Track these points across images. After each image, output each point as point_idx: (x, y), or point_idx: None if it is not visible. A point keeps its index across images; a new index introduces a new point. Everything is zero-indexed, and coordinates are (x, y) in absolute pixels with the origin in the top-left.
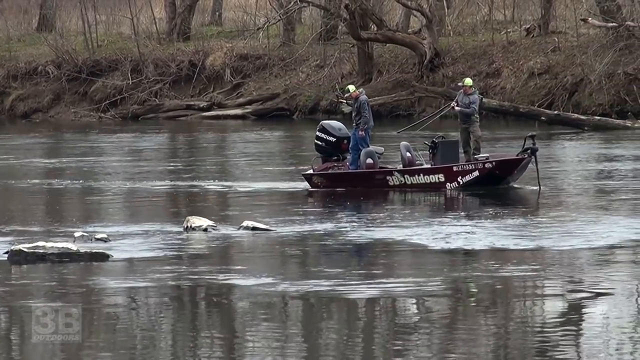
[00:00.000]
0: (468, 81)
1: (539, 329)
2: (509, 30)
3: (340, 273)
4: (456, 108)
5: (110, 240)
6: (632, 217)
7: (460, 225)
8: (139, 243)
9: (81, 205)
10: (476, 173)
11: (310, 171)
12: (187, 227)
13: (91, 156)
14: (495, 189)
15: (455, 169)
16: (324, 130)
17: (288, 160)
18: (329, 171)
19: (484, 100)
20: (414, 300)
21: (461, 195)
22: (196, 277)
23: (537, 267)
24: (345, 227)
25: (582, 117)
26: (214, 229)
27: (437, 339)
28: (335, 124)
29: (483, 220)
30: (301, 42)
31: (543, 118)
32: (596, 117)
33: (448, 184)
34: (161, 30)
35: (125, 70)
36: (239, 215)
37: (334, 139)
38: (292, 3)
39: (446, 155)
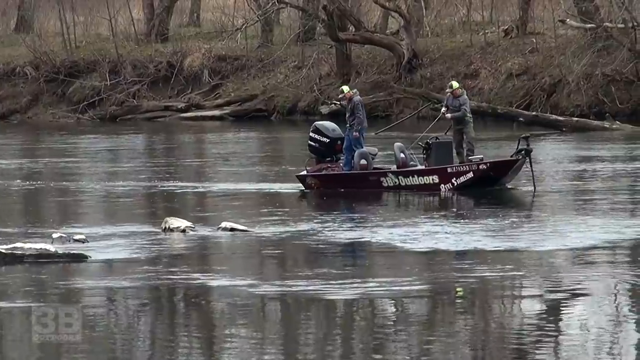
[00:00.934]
0: (455, 84)
1: (517, 330)
2: (487, 31)
3: (318, 274)
4: (447, 115)
5: (88, 241)
6: (610, 217)
7: (440, 226)
8: (117, 244)
9: (59, 206)
10: (470, 174)
11: (304, 172)
12: (165, 228)
13: (69, 157)
14: (488, 190)
15: (449, 170)
16: (317, 131)
17: (266, 162)
18: (322, 172)
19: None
20: (393, 301)
21: (450, 197)
22: (174, 278)
23: (516, 268)
24: (324, 228)
25: (561, 118)
26: (192, 230)
27: (415, 339)
28: (329, 124)
29: (464, 221)
30: (279, 43)
31: (521, 119)
32: (574, 118)
33: (442, 185)
34: (139, 31)
35: (103, 71)
36: (217, 216)
37: (328, 140)
38: (270, 4)
39: (440, 156)
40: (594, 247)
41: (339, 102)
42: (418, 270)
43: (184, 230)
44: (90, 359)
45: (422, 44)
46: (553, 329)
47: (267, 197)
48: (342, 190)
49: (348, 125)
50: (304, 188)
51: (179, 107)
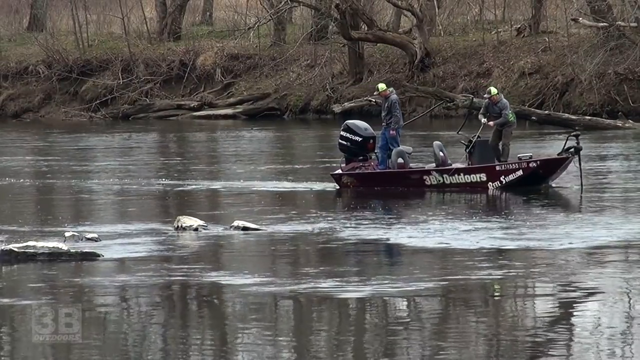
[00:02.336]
0: (493, 90)
1: (530, 329)
2: (499, 30)
3: (331, 272)
4: (490, 123)
5: (100, 240)
6: (626, 217)
7: (454, 225)
8: (129, 243)
9: (71, 204)
10: (520, 172)
11: (339, 171)
12: (178, 226)
13: (82, 156)
14: (532, 189)
15: (498, 168)
16: (349, 129)
17: (278, 160)
18: (356, 171)
19: (474, 100)
20: (405, 300)
21: (470, 195)
22: (187, 276)
23: (530, 266)
24: (337, 227)
25: (573, 117)
26: (204, 229)
27: (427, 338)
28: (360, 123)
29: (477, 220)
30: (292, 42)
31: (534, 118)
32: (587, 117)
33: (490, 183)
34: (152, 29)
35: (115, 70)
36: (229, 215)
37: (360, 139)
38: (283, 3)
39: (484, 154)
40: (610, 246)
41: (373, 100)
42: (430, 268)
43: (196, 229)
44: (102, 357)
45: (434, 42)
46: (566, 328)
47: (280, 196)
48: (378, 188)
49: (384, 123)
50: (338, 187)
51: (192, 105)
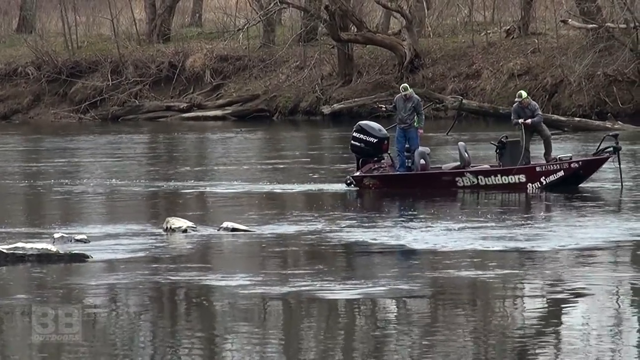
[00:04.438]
0: (523, 94)
1: (519, 329)
2: (488, 31)
3: (320, 274)
4: (527, 121)
5: (89, 241)
6: (613, 218)
7: (442, 226)
8: (118, 244)
9: (60, 206)
10: (561, 173)
11: (358, 173)
12: (167, 228)
13: (71, 157)
14: (575, 188)
15: (538, 169)
16: (362, 130)
17: (267, 161)
18: (374, 173)
19: (463, 101)
20: (394, 301)
21: (466, 196)
22: (176, 278)
23: (519, 268)
24: (324, 229)
25: (562, 118)
26: (193, 230)
27: (416, 339)
28: (374, 124)
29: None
30: (281, 44)
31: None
32: (576, 118)
33: (530, 184)
34: (141, 31)
35: (105, 72)
36: (218, 216)
37: (376, 140)
38: (272, 4)
39: (514, 155)
40: (598, 248)
41: (383, 106)
42: (419, 270)
43: (185, 230)
44: (90, 358)
45: (424, 44)
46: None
47: (269, 197)
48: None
49: (403, 125)
50: (357, 188)
51: (181, 107)
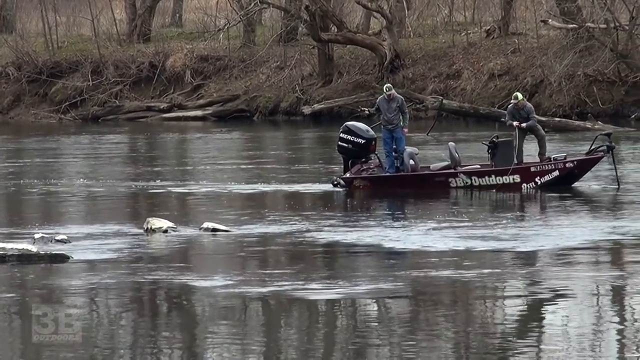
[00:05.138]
0: (519, 96)
1: (499, 330)
2: (469, 31)
3: (300, 274)
4: (522, 125)
5: (70, 242)
6: (593, 218)
7: (425, 226)
8: (99, 244)
9: (41, 206)
10: (556, 173)
11: (348, 174)
12: (147, 228)
13: (51, 157)
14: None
15: (532, 169)
16: (349, 132)
17: (248, 162)
18: (363, 174)
19: (444, 102)
20: (374, 302)
21: (456, 197)
22: (156, 278)
23: (498, 268)
24: (305, 229)
25: (543, 118)
26: (174, 230)
27: (396, 340)
28: (361, 125)
29: (449, 222)
30: (261, 44)
31: (503, 119)
32: (556, 119)
33: (524, 184)
34: (121, 31)
35: (85, 72)
36: (199, 217)
37: (364, 141)
38: (253, 4)
39: (506, 155)
40: (578, 248)
41: (365, 109)
42: (400, 270)
43: (166, 231)
44: (70, 358)
45: (404, 44)
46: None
47: (249, 198)
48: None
49: (390, 125)
50: (345, 189)
51: (161, 107)
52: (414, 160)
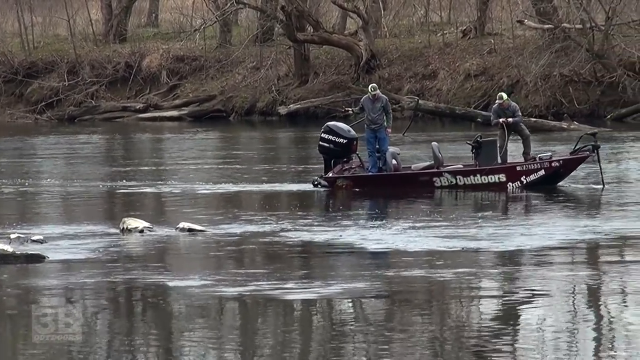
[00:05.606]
0: (504, 95)
1: (475, 330)
2: (445, 32)
3: (276, 274)
4: (509, 119)
5: (46, 242)
6: (569, 218)
7: (402, 227)
8: (75, 244)
9: (17, 206)
10: (542, 172)
11: (330, 174)
12: (123, 228)
13: (27, 157)
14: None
15: (518, 168)
16: (331, 131)
17: (224, 162)
18: (346, 174)
19: (420, 102)
20: (350, 302)
21: (438, 196)
22: (132, 278)
23: (474, 268)
24: (281, 229)
25: None
26: (150, 231)
27: (372, 339)
28: (342, 125)
29: (425, 222)
30: (238, 44)
31: (479, 119)
32: (532, 119)
33: (510, 183)
34: (97, 31)
35: (61, 72)
36: (175, 217)
37: (345, 141)
38: (229, 5)
39: (490, 154)
40: (554, 248)
41: (350, 109)
42: (376, 270)
43: (141, 231)
44: (45, 358)
45: (380, 44)
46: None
47: (226, 197)
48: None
49: (374, 125)
50: (325, 189)
51: (137, 107)
52: (396, 160)
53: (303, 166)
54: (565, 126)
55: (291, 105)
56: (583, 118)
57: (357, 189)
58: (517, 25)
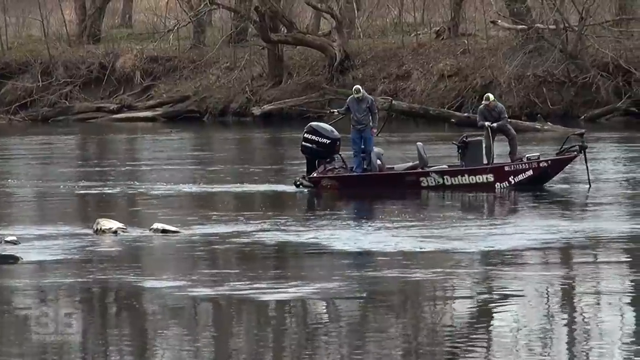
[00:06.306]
0: (490, 96)
1: (448, 331)
2: (418, 32)
3: (250, 275)
4: (494, 125)
5: (20, 243)
6: (542, 218)
7: (374, 228)
8: (49, 245)
9: None
10: (530, 172)
11: (314, 174)
12: (97, 229)
13: (0, 158)
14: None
15: (507, 168)
16: (314, 132)
17: (198, 162)
18: (329, 174)
19: (393, 102)
20: (324, 303)
21: (400, 197)
22: (106, 279)
23: (448, 269)
24: (255, 229)
25: None
26: (123, 232)
27: (347, 341)
28: (325, 125)
29: (396, 223)
30: (211, 45)
31: (453, 120)
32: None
33: (498, 184)
34: (71, 32)
35: (35, 73)
36: (148, 218)
37: (329, 141)
38: (202, 5)
39: (476, 155)
40: (526, 249)
41: (335, 111)
42: (348, 271)
43: (115, 232)
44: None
45: (354, 45)
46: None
47: (200, 198)
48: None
49: (360, 125)
50: (308, 189)
51: (111, 108)
52: (380, 161)
53: (278, 167)
54: (539, 127)
55: (265, 106)
56: (556, 118)
57: (342, 190)
58: (490, 25)
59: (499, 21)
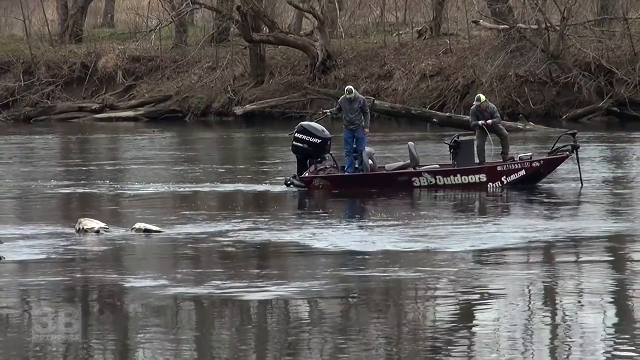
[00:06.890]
0: (482, 97)
1: (430, 330)
2: (401, 32)
3: (232, 275)
4: (489, 122)
5: (2, 242)
6: (528, 218)
7: (357, 228)
8: (31, 245)
9: None
10: (523, 172)
11: (306, 174)
12: (80, 229)
13: None
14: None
15: (499, 168)
16: (305, 132)
17: (180, 162)
18: (321, 174)
19: (375, 102)
20: (307, 303)
21: (375, 199)
22: (89, 279)
23: (430, 269)
24: (238, 229)
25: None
26: (106, 231)
27: (329, 341)
28: (316, 125)
29: (379, 223)
30: (193, 44)
31: (435, 120)
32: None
33: (491, 184)
34: (53, 32)
35: (17, 72)
36: (131, 217)
37: (320, 141)
38: (185, 5)
39: (468, 155)
40: (509, 248)
41: (328, 111)
42: (330, 271)
43: (98, 232)
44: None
45: (336, 45)
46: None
47: (182, 198)
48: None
49: (352, 126)
50: (298, 189)
51: (93, 108)
52: (372, 160)
53: (259, 167)
54: (522, 127)
55: (247, 106)
56: (539, 118)
57: (335, 189)
58: (472, 25)
59: (481, 21)
